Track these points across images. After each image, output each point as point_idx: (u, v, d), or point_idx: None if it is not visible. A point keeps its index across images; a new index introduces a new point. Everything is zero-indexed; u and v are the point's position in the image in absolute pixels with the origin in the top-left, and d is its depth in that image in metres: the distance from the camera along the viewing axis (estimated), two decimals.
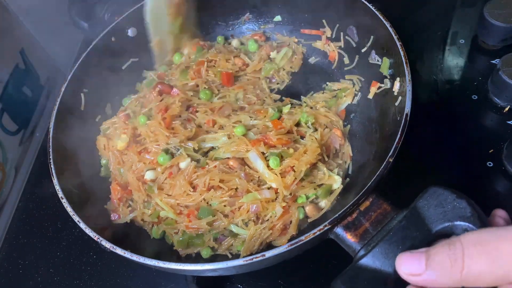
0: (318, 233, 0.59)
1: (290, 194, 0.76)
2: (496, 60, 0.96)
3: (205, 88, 0.94)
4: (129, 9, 0.96)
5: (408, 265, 0.47)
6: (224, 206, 0.76)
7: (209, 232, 0.76)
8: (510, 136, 0.87)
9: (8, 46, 1.00)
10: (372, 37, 0.89)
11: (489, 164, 0.84)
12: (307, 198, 0.77)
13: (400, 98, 0.78)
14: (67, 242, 0.90)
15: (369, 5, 0.85)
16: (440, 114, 0.93)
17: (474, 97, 0.94)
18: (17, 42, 1.03)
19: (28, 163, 1.05)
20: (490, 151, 0.86)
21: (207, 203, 0.78)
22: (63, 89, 0.86)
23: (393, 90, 0.82)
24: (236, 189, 0.77)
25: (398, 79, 0.81)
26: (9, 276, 0.88)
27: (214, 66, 0.98)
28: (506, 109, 0.90)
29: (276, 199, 0.76)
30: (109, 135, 0.91)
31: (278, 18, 1.06)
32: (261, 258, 0.59)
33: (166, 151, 0.83)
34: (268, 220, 0.75)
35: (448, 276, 0.44)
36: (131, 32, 0.97)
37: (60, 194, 0.72)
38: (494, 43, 0.99)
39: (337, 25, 0.98)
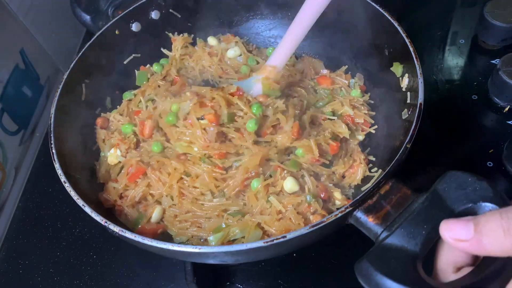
0: (339, 215, 0.58)
1: None
2: (496, 60, 0.96)
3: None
4: (134, 3, 0.95)
5: (455, 230, 0.46)
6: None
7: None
8: (510, 136, 0.87)
9: (8, 46, 1.00)
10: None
11: (489, 164, 0.84)
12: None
13: (408, 94, 0.77)
14: (67, 242, 0.90)
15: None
16: (440, 114, 0.93)
17: (474, 97, 0.94)
18: (17, 42, 1.03)
19: (28, 163, 1.05)
20: (490, 151, 0.86)
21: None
22: (65, 77, 0.84)
23: (401, 86, 0.80)
24: None
25: (406, 74, 0.79)
26: (9, 276, 0.88)
27: None
28: (506, 109, 0.91)
29: None
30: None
31: None
32: (281, 240, 0.57)
33: None
34: None
35: (500, 244, 0.43)
36: (135, 26, 0.96)
37: (63, 178, 0.69)
38: (494, 43, 0.99)
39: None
